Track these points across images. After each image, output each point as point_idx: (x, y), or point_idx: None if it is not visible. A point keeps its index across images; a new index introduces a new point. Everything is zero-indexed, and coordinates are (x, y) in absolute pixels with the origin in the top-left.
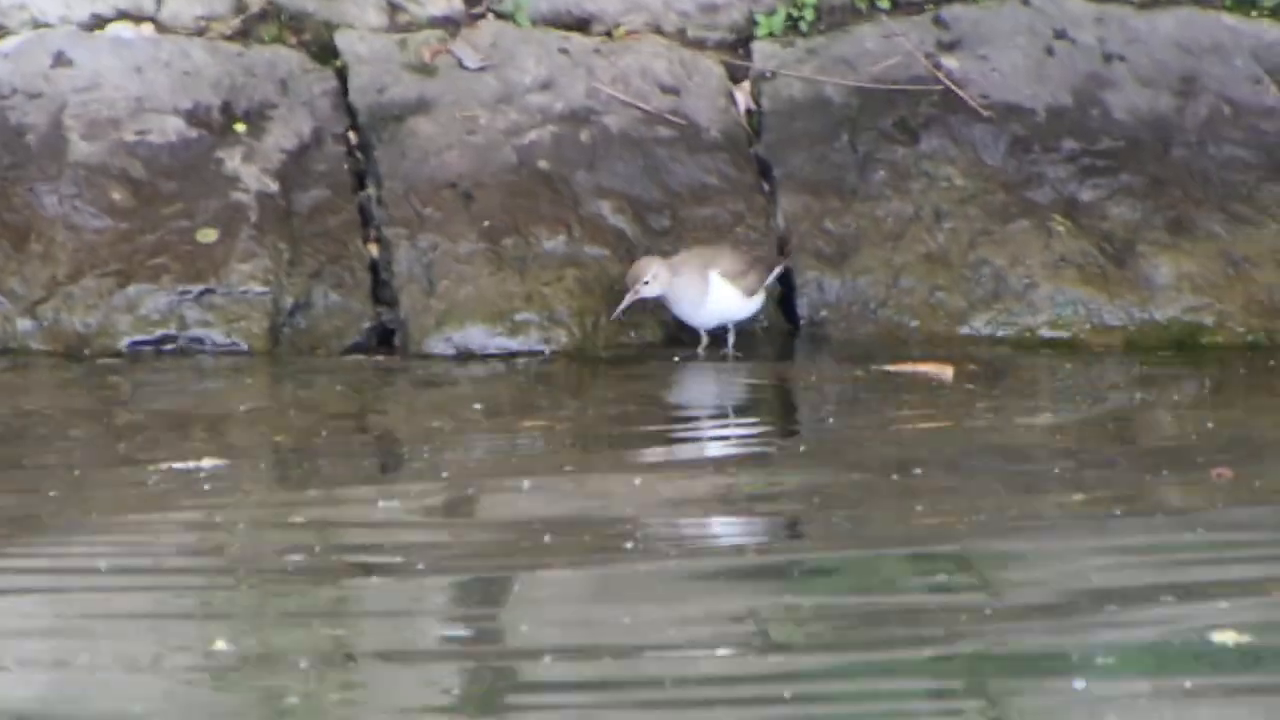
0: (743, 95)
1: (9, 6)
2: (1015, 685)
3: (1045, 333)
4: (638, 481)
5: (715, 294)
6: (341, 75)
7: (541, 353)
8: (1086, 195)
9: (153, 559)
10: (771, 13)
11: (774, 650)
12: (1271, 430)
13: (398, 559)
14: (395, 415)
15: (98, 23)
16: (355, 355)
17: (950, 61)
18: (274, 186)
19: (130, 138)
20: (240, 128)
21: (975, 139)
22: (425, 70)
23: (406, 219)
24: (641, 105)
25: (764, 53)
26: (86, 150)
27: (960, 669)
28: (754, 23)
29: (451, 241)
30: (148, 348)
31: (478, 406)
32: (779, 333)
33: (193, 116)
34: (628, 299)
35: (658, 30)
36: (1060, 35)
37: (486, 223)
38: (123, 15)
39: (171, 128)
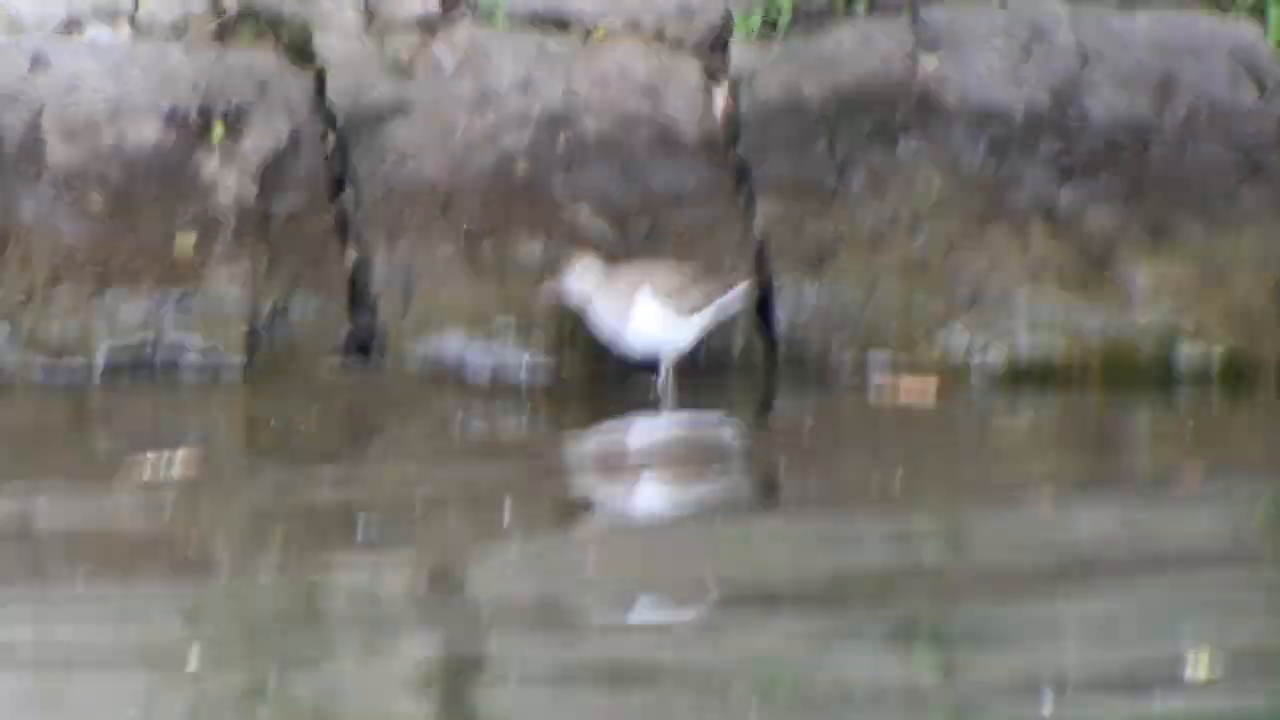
0: (720, 97)
1: None
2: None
3: (1023, 338)
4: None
5: (640, 313)
6: (320, 77)
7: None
8: (1065, 198)
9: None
10: (749, 14)
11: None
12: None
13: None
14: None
15: (75, 25)
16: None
17: (928, 63)
18: (252, 190)
19: (108, 141)
20: (218, 131)
21: (953, 141)
22: (403, 72)
23: (385, 223)
24: (619, 107)
25: (741, 55)
26: (64, 154)
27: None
28: (731, 24)
29: (430, 247)
30: (125, 353)
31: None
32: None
33: (171, 119)
34: (552, 285)
35: (635, 31)
36: (1037, 36)
37: (465, 227)
38: (99, 17)
39: (149, 131)
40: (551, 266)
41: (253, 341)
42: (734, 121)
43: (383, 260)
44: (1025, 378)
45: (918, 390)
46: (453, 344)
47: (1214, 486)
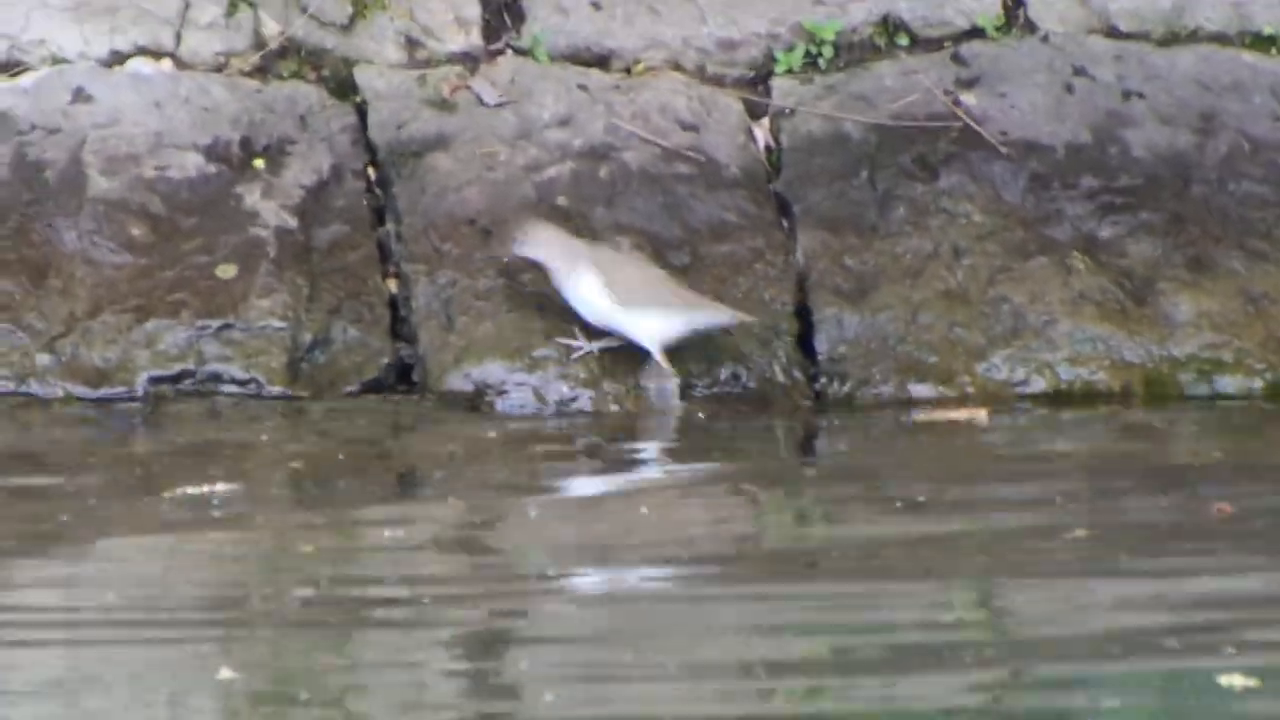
0: (762, 132)
1: (28, 42)
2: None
3: (1063, 370)
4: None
5: (586, 292)
6: (361, 111)
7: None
8: (1106, 232)
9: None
10: (790, 49)
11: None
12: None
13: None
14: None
15: (117, 59)
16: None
17: (969, 98)
18: (293, 222)
19: (149, 173)
20: (259, 164)
21: (994, 176)
22: (444, 106)
23: (425, 255)
24: (660, 142)
25: (783, 89)
26: (105, 186)
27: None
28: (773, 59)
29: (470, 278)
30: (166, 384)
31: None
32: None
33: (212, 152)
34: (497, 252)
35: (677, 67)
36: (1079, 72)
37: (506, 259)
38: (142, 51)
39: (191, 163)
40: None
41: (293, 372)
42: (775, 155)
43: (423, 291)
44: (1067, 407)
45: (972, 424)
46: (494, 374)
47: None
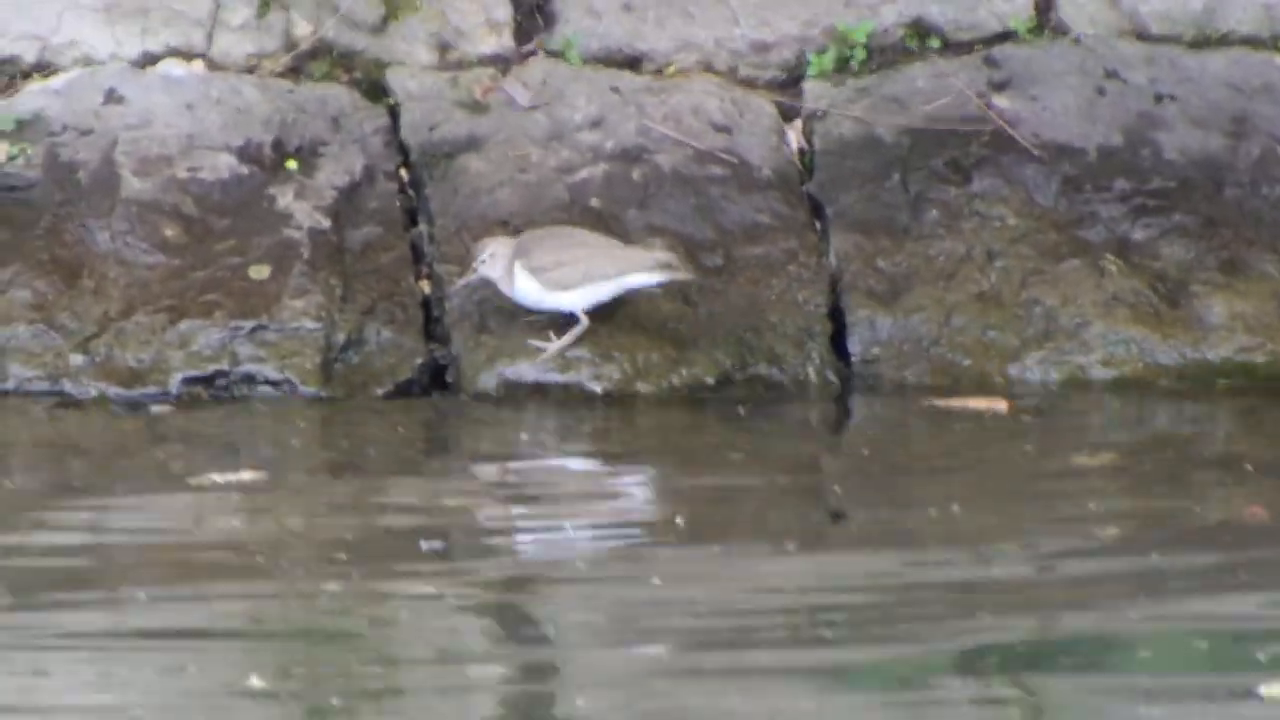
0: (794, 134)
1: (60, 44)
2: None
3: (1097, 372)
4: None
5: (519, 285)
6: (393, 113)
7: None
8: (1139, 235)
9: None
10: (823, 52)
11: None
12: None
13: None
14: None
15: (148, 60)
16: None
17: (1001, 101)
18: (326, 223)
19: (182, 174)
20: (292, 165)
21: (1027, 178)
22: (476, 108)
23: (458, 256)
24: (693, 143)
25: (815, 92)
26: (138, 187)
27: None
28: (805, 62)
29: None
30: (199, 384)
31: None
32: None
33: (244, 153)
34: (466, 277)
35: (709, 69)
36: (1111, 75)
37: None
38: (173, 52)
39: (223, 164)
40: (626, 297)
41: (326, 373)
42: (808, 158)
43: (456, 292)
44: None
45: (990, 413)
46: (527, 374)
47: None
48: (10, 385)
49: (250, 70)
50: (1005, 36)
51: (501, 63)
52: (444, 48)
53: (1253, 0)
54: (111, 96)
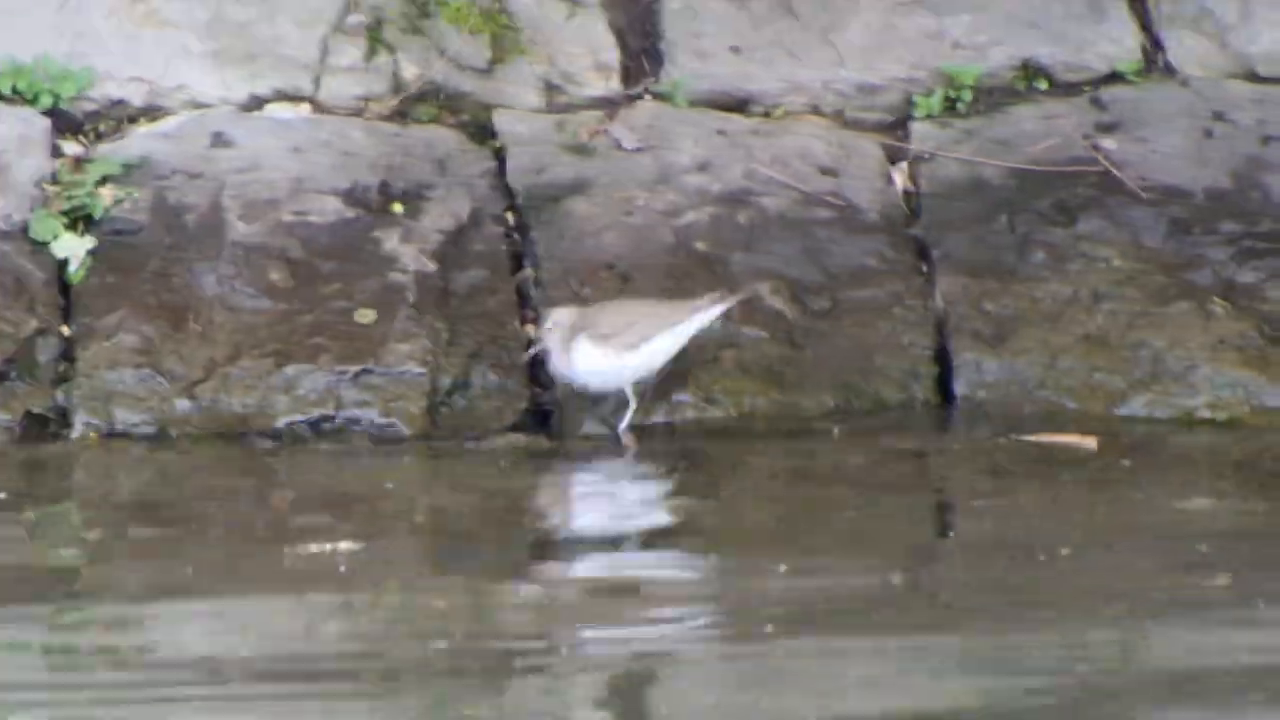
0: (900, 176)
1: (168, 88)
2: None
3: (1204, 414)
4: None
5: (581, 359)
6: (499, 156)
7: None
8: (1246, 277)
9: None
10: (929, 94)
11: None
12: None
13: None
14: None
15: (256, 103)
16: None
17: (1109, 143)
18: (432, 267)
19: (289, 218)
20: (398, 208)
21: (1134, 221)
22: (583, 151)
23: (565, 299)
24: (800, 186)
25: (922, 134)
26: (245, 230)
27: None
28: (912, 104)
29: None
30: (304, 428)
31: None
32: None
33: (350, 197)
34: (535, 348)
35: (816, 111)
36: (1219, 117)
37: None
38: (281, 96)
39: (330, 208)
40: (731, 341)
41: (432, 417)
42: (914, 200)
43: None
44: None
45: (1080, 449)
46: (631, 419)
47: None
48: (117, 428)
49: (357, 113)
50: (1113, 78)
51: (608, 105)
52: (551, 90)
53: None
54: (219, 140)
